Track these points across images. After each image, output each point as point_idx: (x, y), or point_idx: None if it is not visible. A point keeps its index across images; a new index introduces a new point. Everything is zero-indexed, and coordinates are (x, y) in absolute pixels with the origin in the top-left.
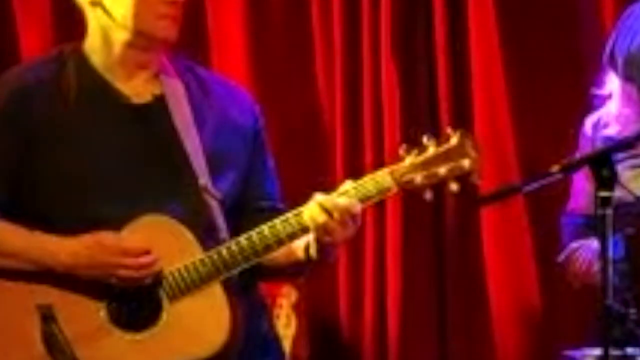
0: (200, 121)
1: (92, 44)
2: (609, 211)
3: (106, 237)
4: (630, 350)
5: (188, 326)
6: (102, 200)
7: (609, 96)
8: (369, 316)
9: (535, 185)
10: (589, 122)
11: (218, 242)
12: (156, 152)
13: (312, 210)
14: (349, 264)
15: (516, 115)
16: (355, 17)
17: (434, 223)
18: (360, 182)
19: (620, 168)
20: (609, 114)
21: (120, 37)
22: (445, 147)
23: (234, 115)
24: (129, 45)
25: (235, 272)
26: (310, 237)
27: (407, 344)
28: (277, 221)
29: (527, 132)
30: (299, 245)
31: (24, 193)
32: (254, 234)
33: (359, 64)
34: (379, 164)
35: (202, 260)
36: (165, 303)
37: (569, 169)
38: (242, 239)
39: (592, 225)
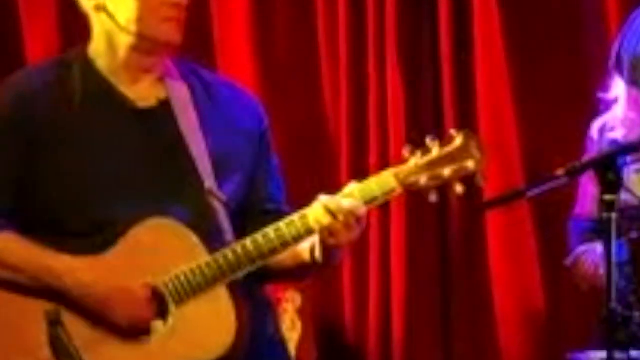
0: (205, 124)
1: (96, 48)
2: (614, 215)
3: (121, 283)
4: (634, 353)
5: (194, 329)
6: (107, 204)
7: (615, 100)
8: (374, 319)
9: (540, 189)
10: (595, 126)
11: (223, 245)
12: (161, 156)
13: (317, 212)
14: (353, 267)
15: (520, 117)
16: (361, 23)
17: (439, 226)
18: (364, 183)
19: (626, 172)
20: (615, 118)
21: (125, 41)
22: (449, 148)
23: (239, 118)
24: (134, 49)
25: (240, 274)
26: (315, 239)
27: (412, 347)
28: (282, 224)
29: (532, 135)
30: (304, 248)
31: (30, 198)
32: (259, 236)
33: (365, 70)
34: (383, 167)
35: (207, 263)
36: (171, 307)
37: (574, 173)
38: (248, 241)
39: (599, 230)
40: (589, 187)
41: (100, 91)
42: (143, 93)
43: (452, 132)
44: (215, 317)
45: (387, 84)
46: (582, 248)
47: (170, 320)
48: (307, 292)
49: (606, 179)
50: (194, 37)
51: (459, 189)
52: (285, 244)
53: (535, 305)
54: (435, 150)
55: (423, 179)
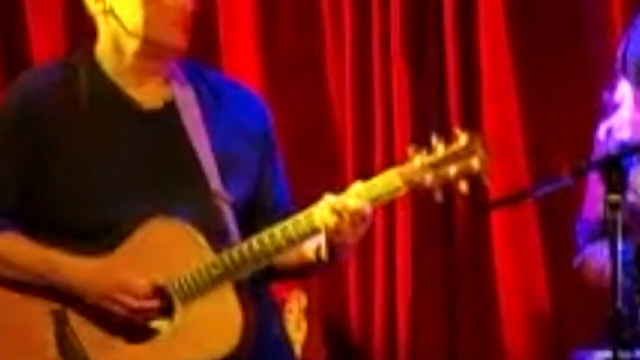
0: (210, 125)
1: (103, 51)
2: (619, 215)
3: (121, 276)
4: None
5: (200, 329)
6: (113, 205)
7: (621, 102)
8: (380, 319)
9: (545, 189)
10: (602, 128)
11: (229, 245)
12: (167, 157)
13: (322, 212)
14: (359, 267)
15: (526, 116)
16: (366, 23)
17: (444, 226)
18: (370, 183)
19: (632, 173)
20: (621, 120)
21: (131, 44)
22: (454, 147)
23: (244, 118)
24: (140, 53)
25: (246, 273)
26: (321, 239)
27: (417, 346)
28: (287, 223)
29: (537, 134)
30: (309, 247)
31: (36, 198)
32: (265, 235)
33: (369, 68)
34: (389, 166)
35: (213, 262)
36: (178, 306)
37: (580, 174)
38: (254, 240)
39: (605, 231)
40: (597, 189)
41: (107, 93)
42: (149, 95)
43: (457, 131)
44: (221, 317)
45: (392, 84)
46: (590, 248)
47: (177, 318)
48: (312, 292)
49: (611, 179)
50: (199, 36)
51: (463, 187)
52: (290, 243)
53: (540, 306)
54: (440, 150)
55: (428, 178)
